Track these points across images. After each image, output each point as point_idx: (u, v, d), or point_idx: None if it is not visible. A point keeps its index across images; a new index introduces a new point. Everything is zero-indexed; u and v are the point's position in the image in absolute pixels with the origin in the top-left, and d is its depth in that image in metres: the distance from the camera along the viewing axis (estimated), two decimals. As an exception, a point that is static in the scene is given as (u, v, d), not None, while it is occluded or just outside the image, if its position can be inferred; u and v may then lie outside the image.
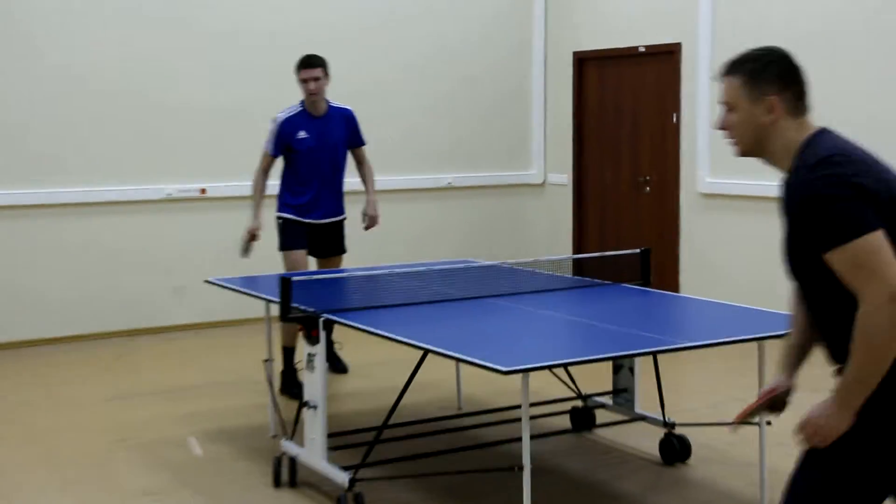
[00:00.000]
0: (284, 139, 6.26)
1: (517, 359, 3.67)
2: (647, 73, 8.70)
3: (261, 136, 6.38)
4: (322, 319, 4.46)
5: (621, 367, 5.20)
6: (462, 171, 9.29)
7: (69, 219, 7.77)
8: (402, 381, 4.40)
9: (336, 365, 6.65)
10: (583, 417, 5.45)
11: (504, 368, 3.49)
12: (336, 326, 4.53)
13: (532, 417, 4.15)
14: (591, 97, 9.25)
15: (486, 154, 9.42)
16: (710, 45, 7.97)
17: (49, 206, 7.68)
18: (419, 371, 4.33)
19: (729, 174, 7.79)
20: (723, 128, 2.62)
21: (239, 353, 7.29)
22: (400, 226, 8.71)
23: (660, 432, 5.04)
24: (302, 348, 4.67)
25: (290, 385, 6.18)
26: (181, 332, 8.08)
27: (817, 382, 3.07)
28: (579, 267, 6.26)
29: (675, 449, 4.96)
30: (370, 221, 6.53)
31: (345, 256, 6.59)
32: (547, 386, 5.51)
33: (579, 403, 5.47)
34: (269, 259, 6.51)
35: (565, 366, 4.65)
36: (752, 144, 2.58)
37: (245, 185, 6.47)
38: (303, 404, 4.57)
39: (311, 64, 6.24)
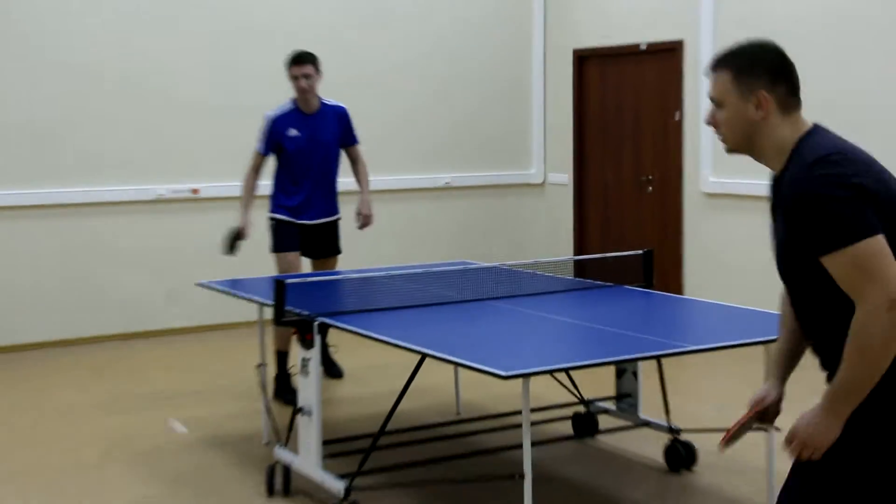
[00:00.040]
0: (275, 137, 6.16)
1: (517, 363, 3.63)
2: (649, 71, 8.61)
3: (255, 137, 6.29)
4: (317, 323, 4.39)
5: (624, 371, 5.15)
6: (460, 170, 9.21)
7: (70, 219, 7.71)
8: (399, 386, 4.34)
9: (331, 369, 6.59)
10: (585, 423, 5.38)
11: (504, 373, 3.45)
12: (331, 330, 4.49)
13: (533, 423, 4.08)
14: (592, 95, 9.17)
15: (485, 153, 9.35)
16: (712, 42, 7.88)
17: (44, 207, 7.62)
18: (417, 376, 4.28)
19: (733, 173, 7.69)
20: (711, 124, 2.56)
21: (231, 357, 7.22)
22: (397, 226, 8.69)
23: (665, 438, 4.99)
24: (296, 352, 4.61)
25: (284, 390, 6.09)
26: (174, 335, 7.98)
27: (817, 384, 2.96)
28: (580, 268, 6.23)
29: (681, 455, 4.89)
30: (364, 221, 6.42)
31: (340, 258, 6.50)
32: (548, 391, 5.44)
33: (581, 409, 5.41)
34: (261, 261, 6.40)
35: (567, 370, 4.60)
36: (741, 141, 2.51)
37: (239, 186, 6.36)
38: (297, 410, 4.50)
39: (301, 60, 6.14)
